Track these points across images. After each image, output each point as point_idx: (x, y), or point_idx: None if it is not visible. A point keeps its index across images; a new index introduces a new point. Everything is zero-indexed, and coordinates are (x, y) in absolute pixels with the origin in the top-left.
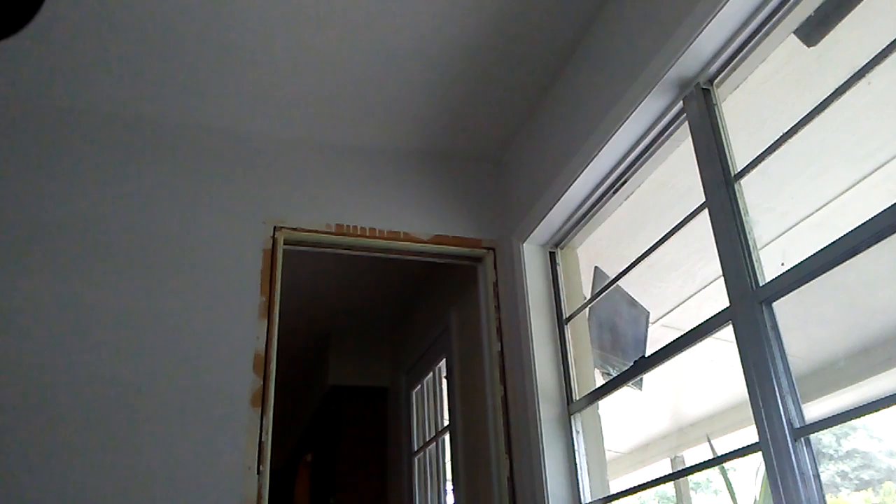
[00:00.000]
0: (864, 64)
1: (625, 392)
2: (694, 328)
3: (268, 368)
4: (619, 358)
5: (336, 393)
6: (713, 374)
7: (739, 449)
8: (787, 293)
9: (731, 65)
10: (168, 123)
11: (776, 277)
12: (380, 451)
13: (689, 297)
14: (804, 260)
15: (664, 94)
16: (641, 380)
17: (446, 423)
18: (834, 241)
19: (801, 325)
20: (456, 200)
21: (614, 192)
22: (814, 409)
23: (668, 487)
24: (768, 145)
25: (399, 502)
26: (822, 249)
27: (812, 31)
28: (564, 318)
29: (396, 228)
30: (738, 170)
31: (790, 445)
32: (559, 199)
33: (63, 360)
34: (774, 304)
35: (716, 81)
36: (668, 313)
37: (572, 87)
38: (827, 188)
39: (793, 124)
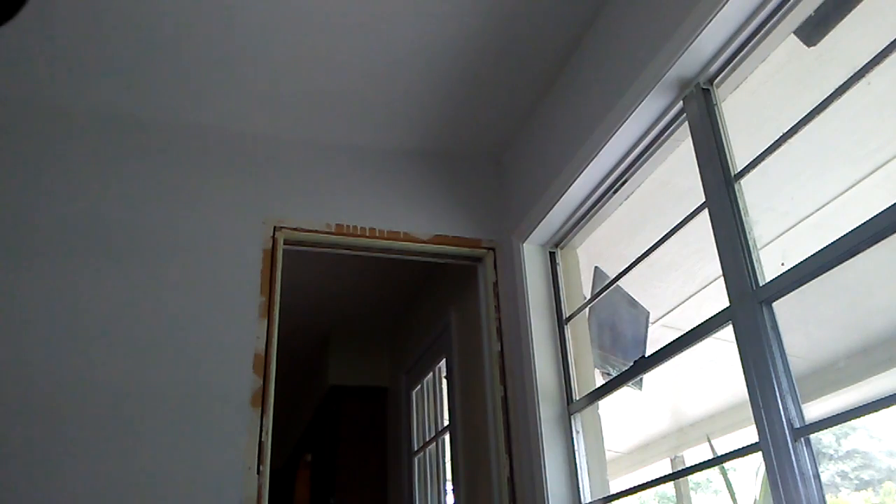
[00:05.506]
0: (864, 64)
1: (625, 392)
2: (694, 328)
3: (268, 368)
4: (619, 358)
5: (336, 393)
6: (713, 374)
7: (739, 449)
8: (787, 293)
9: (731, 65)
10: (168, 123)
11: (776, 277)
12: (380, 451)
13: (689, 297)
14: (804, 260)
15: (664, 94)
16: (641, 380)
17: (446, 423)
18: (834, 241)
19: (801, 325)
20: (456, 200)
21: (614, 192)
22: (814, 409)
23: (668, 487)
24: (768, 145)
25: (399, 502)
26: (822, 249)
27: (812, 31)
28: (564, 318)
29: (396, 228)
30: (738, 170)
31: (790, 445)
32: (559, 199)
33: (62, 360)
34: (774, 304)
35: (716, 81)
36: (668, 313)
37: (572, 88)
38: (827, 188)
39: (793, 124)
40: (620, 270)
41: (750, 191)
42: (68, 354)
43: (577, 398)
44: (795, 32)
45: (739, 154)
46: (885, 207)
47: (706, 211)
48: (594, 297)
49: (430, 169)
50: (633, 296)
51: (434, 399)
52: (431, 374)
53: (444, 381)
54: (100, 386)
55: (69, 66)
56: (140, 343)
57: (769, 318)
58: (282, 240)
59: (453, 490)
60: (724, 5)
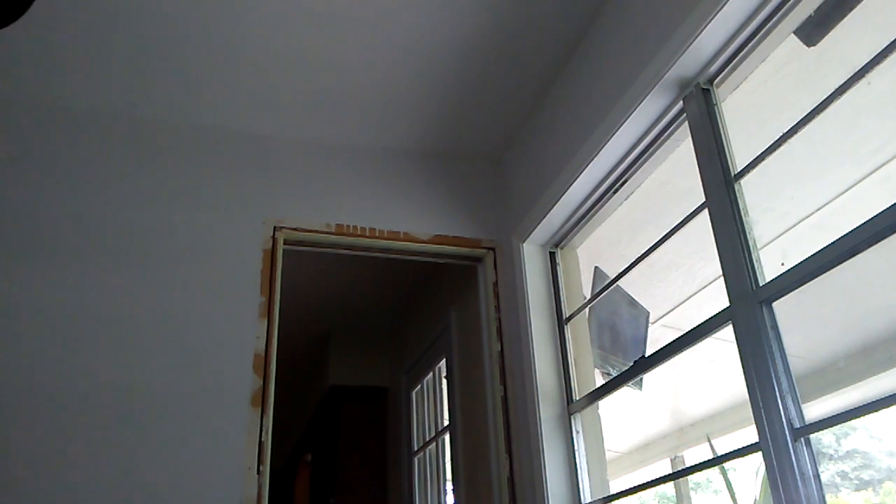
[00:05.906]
0: (864, 64)
1: (625, 392)
2: (694, 328)
3: (268, 368)
4: (619, 358)
5: (336, 393)
6: (713, 374)
7: (739, 449)
8: (787, 293)
9: (731, 65)
10: (168, 123)
11: (776, 277)
12: (380, 451)
13: (689, 297)
14: (804, 260)
15: (664, 94)
16: (641, 380)
17: (446, 423)
18: (834, 241)
19: (801, 325)
20: (456, 200)
21: (614, 192)
22: (814, 409)
23: (668, 487)
24: (768, 145)
25: (399, 502)
26: (822, 249)
27: (812, 31)
28: (564, 318)
29: (396, 228)
30: (738, 170)
31: (790, 445)
32: (559, 199)
33: (62, 360)
34: (774, 304)
35: (716, 81)
36: (668, 313)
37: (572, 87)
38: (827, 188)
39: (793, 124)
40: (620, 270)
41: (750, 191)
42: (68, 354)
43: (577, 398)
44: (795, 32)
45: (739, 154)
46: (885, 207)
47: (706, 211)
48: (594, 297)
49: (430, 169)
50: (633, 296)
51: (434, 399)
52: (431, 374)
53: (444, 381)
54: (100, 386)
55: (70, 66)
56: (140, 343)
57: (769, 318)
58: (282, 240)
59: (453, 490)
60: (724, 5)
